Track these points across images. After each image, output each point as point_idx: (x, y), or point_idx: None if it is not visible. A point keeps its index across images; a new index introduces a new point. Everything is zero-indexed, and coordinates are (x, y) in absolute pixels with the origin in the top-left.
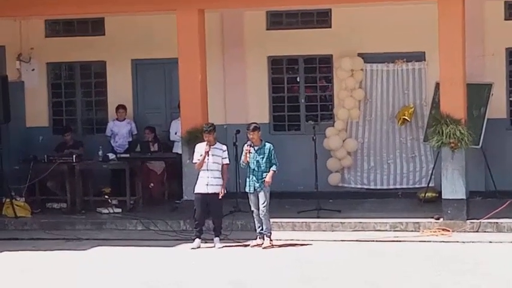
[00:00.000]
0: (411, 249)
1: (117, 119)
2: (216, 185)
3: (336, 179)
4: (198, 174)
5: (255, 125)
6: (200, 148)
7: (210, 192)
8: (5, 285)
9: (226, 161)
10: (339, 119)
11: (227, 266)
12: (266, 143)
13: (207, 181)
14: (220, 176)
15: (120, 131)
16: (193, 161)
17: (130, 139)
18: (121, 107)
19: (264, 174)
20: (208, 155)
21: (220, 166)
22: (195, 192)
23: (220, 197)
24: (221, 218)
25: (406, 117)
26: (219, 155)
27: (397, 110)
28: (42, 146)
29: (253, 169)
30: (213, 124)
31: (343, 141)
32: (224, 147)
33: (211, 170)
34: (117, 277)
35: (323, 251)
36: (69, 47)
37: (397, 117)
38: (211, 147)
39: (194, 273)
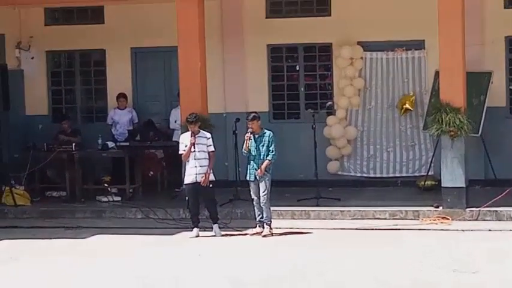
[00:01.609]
0: (410, 238)
1: (118, 108)
2: (204, 173)
3: (335, 167)
4: (186, 165)
5: (254, 114)
6: (184, 139)
7: (199, 181)
8: (4, 274)
9: (212, 148)
10: (340, 108)
11: (226, 255)
12: (266, 131)
13: (196, 170)
14: (208, 164)
15: (121, 119)
16: (179, 152)
17: (131, 127)
18: (122, 96)
19: None
20: (194, 146)
21: (207, 154)
22: (185, 183)
23: (205, 184)
24: (215, 204)
25: (409, 107)
26: (204, 143)
27: (397, 99)
28: (42, 134)
29: (254, 157)
30: (197, 114)
31: (344, 128)
32: (208, 135)
33: (199, 159)
34: (116, 266)
35: (322, 240)
36: (69, 35)
37: (398, 107)
38: (196, 136)
39: (192, 264)
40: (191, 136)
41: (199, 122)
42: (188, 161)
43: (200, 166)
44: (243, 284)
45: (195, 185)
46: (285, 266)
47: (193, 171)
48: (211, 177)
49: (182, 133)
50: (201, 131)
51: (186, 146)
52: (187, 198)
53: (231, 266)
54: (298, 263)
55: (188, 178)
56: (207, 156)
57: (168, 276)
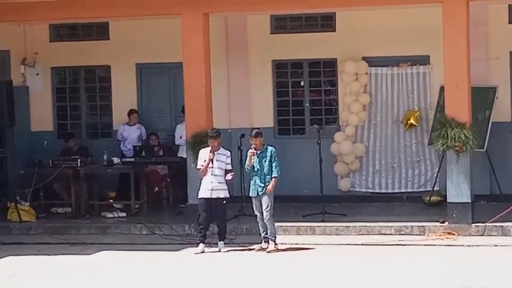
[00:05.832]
0: (416, 253)
1: (127, 124)
2: (220, 189)
3: (347, 185)
4: (202, 179)
5: (256, 131)
6: (203, 154)
7: (213, 197)
8: None
9: (229, 167)
10: (349, 124)
11: (231, 271)
12: (268, 147)
13: (211, 186)
14: (224, 181)
15: (130, 135)
16: (197, 167)
17: (140, 144)
18: (134, 111)
19: (267, 177)
20: (212, 162)
21: (223, 171)
22: (198, 197)
23: (224, 202)
24: (225, 222)
25: (413, 122)
26: (223, 160)
27: (402, 114)
28: (47, 150)
29: (257, 172)
30: (218, 130)
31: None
32: (228, 153)
33: (215, 175)
34: (121, 282)
35: (328, 256)
36: (74, 51)
37: (403, 122)
38: (216, 152)
39: (197, 280)
40: (210, 152)
41: (220, 137)
42: (205, 175)
43: (217, 182)
44: None
45: (208, 200)
46: (289, 282)
47: (209, 187)
48: (226, 195)
49: (201, 149)
50: (221, 148)
51: (204, 161)
52: (199, 212)
53: (234, 282)
54: (301, 279)
55: (203, 193)
56: (224, 174)
57: None
